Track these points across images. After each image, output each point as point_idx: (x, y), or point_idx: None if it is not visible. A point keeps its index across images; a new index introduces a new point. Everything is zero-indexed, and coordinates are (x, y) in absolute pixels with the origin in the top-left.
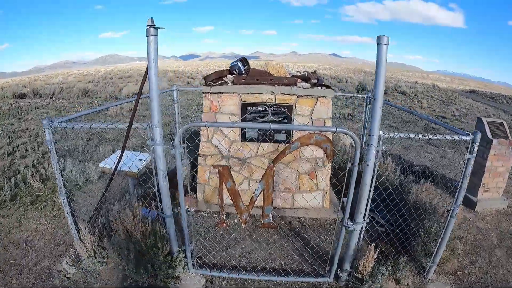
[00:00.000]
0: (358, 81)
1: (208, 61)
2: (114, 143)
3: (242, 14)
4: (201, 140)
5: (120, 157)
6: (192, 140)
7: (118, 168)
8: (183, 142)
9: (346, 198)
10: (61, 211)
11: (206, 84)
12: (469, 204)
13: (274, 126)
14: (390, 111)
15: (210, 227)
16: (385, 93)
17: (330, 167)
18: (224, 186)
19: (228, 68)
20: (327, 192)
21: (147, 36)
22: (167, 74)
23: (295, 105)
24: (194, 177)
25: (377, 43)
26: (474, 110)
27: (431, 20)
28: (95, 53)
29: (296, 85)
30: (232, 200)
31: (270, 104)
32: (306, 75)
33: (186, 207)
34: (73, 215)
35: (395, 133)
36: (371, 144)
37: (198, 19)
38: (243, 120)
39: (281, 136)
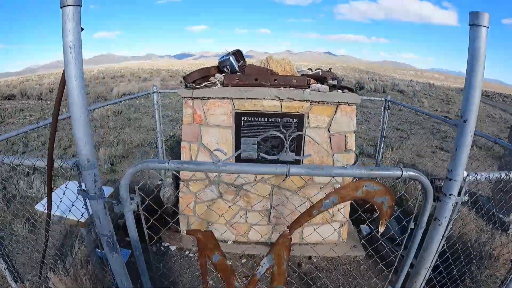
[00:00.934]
0: (355, 80)
1: (203, 60)
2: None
3: (236, 13)
4: (182, 160)
5: (48, 202)
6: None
7: (54, 213)
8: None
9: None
10: None
11: (186, 87)
12: None
13: (293, 170)
14: (395, 112)
15: (196, 273)
16: (383, 91)
17: None
18: (207, 260)
19: (217, 64)
20: (344, 224)
21: (61, 7)
22: (161, 73)
23: (308, 114)
24: (178, 200)
25: (472, 25)
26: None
27: (425, 19)
28: (89, 53)
29: (309, 87)
30: (221, 278)
31: (273, 113)
32: (321, 73)
33: (167, 244)
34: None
35: (485, 173)
36: (451, 194)
37: (192, 18)
38: (238, 134)
39: (289, 156)
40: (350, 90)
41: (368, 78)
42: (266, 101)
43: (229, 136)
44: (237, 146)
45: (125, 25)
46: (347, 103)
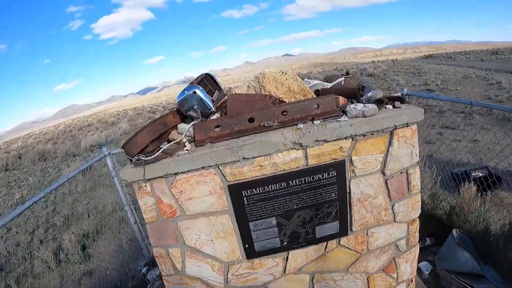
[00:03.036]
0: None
1: (166, 91)
2: None
3: (188, 38)
4: (162, 273)
5: None
6: None
7: None
8: None
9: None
10: None
11: (131, 161)
12: None
13: None
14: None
15: None
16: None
17: (418, 243)
18: None
19: (176, 107)
20: (412, 281)
21: None
22: (127, 114)
23: (351, 157)
24: None
25: None
26: (450, 74)
27: (370, 1)
28: (53, 108)
29: (345, 113)
30: None
31: (296, 172)
32: (344, 83)
33: None
34: None
35: None
36: None
37: (146, 52)
38: (242, 218)
39: (329, 228)
40: (400, 100)
41: (333, 70)
42: (280, 155)
43: (228, 225)
44: (245, 235)
45: (83, 72)
46: (406, 124)
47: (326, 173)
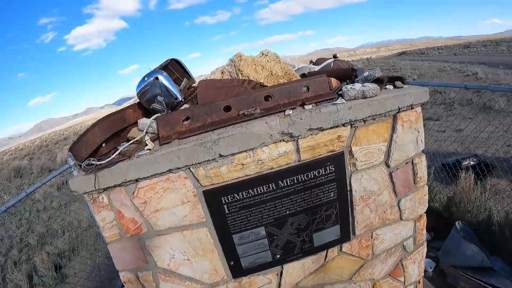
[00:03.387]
0: None
1: None
2: None
3: (162, 46)
4: None
5: None
6: None
7: None
8: None
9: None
10: None
11: (80, 167)
12: None
13: None
14: None
15: None
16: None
17: (425, 241)
18: None
19: (137, 99)
20: (419, 282)
21: None
22: None
23: (351, 148)
24: None
25: None
26: (425, 69)
27: (341, 1)
28: (29, 123)
29: (343, 95)
30: None
31: (285, 169)
32: (335, 66)
33: None
34: None
35: None
36: None
37: (121, 61)
38: (223, 230)
39: (328, 234)
40: (401, 80)
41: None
42: (266, 149)
43: (207, 240)
44: (228, 251)
45: (58, 85)
46: (410, 106)
47: (323, 169)
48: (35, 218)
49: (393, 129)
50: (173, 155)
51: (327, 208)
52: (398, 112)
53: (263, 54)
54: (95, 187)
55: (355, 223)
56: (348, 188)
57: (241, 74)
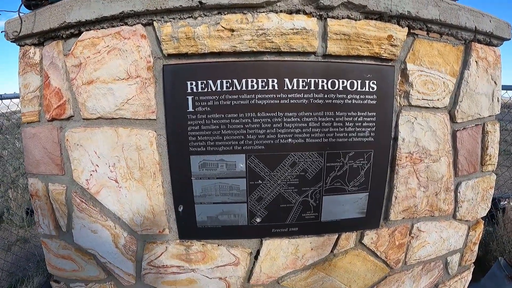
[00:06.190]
0: None
1: None
2: None
3: None
4: (39, 230)
5: None
6: None
7: None
8: None
9: None
10: None
11: (22, 3)
12: None
13: None
14: None
15: None
16: None
17: (473, 265)
18: None
19: None
20: None
21: None
22: None
23: (405, 63)
24: None
25: None
26: None
27: None
28: None
29: None
30: None
31: (301, 61)
32: None
33: None
34: None
35: None
36: None
37: None
38: (179, 149)
39: (348, 205)
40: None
41: None
42: (273, 15)
43: (150, 152)
44: (179, 184)
45: None
46: (489, 35)
47: (359, 82)
48: None
49: (465, 63)
50: None
51: (355, 155)
52: (472, 40)
53: None
54: (32, 31)
55: (393, 197)
56: (393, 134)
57: None
